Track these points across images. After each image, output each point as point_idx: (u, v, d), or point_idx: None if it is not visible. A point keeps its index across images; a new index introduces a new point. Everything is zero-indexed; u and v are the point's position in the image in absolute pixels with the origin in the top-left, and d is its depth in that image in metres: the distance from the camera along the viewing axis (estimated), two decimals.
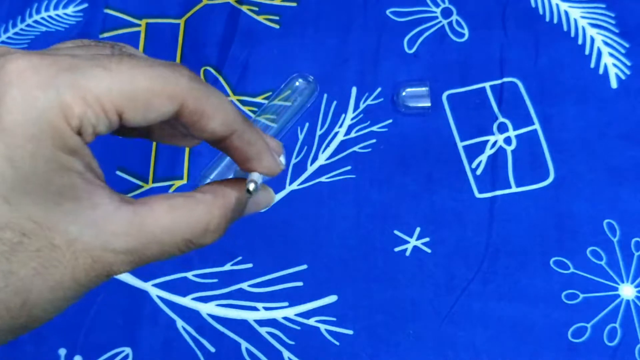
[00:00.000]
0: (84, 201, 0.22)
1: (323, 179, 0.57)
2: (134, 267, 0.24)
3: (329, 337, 0.52)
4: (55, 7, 0.65)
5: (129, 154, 0.59)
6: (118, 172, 0.58)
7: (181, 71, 0.24)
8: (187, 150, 0.59)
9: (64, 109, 0.21)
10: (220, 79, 0.61)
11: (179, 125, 0.27)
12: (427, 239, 0.54)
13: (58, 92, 0.21)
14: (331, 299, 0.53)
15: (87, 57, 0.22)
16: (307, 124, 0.59)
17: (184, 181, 0.58)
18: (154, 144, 0.59)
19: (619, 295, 0.51)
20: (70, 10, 0.65)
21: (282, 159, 0.29)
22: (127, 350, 0.52)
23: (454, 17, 0.62)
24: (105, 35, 0.64)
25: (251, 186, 0.26)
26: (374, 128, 0.58)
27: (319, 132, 0.59)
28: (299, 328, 0.52)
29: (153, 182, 0.58)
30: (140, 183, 0.58)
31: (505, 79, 0.59)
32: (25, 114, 0.20)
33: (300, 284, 0.54)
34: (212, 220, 0.25)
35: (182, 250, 0.25)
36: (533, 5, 0.62)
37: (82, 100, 0.21)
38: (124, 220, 0.23)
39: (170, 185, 0.58)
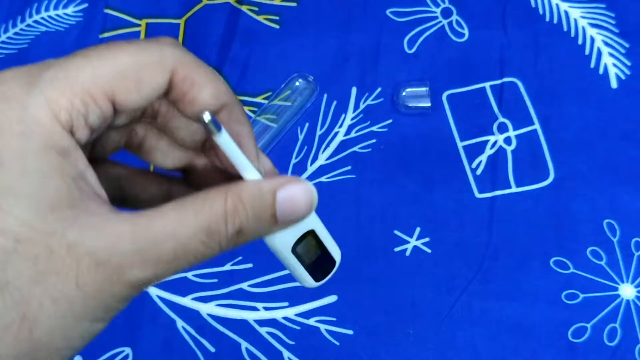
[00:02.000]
0: (79, 206, 0.21)
1: (323, 179, 0.57)
2: (156, 272, 0.21)
3: (329, 337, 0.52)
4: (55, 7, 0.65)
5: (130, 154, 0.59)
6: None
7: (164, 40, 0.23)
8: None
9: (50, 104, 0.20)
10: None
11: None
12: (427, 239, 0.54)
13: (41, 89, 0.20)
14: (331, 299, 0.53)
15: (67, 55, 0.22)
16: (307, 124, 0.59)
17: None
18: None
19: (619, 295, 0.51)
20: (70, 10, 0.65)
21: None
22: (127, 350, 0.52)
23: (454, 17, 0.62)
24: (105, 35, 0.64)
25: (206, 116, 0.21)
26: (374, 128, 0.58)
27: (319, 132, 0.59)
28: (299, 328, 0.52)
29: None
30: None
31: (505, 79, 0.59)
32: (9, 113, 0.20)
33: (300, 283, 0.53)
34: (227, 203, 0.23)
35: (207, 244, 0.22)
36: (533, 5, 0.62)
37: (67, 91, 0.21)
38: (128, 222, 0.21)
39: None
